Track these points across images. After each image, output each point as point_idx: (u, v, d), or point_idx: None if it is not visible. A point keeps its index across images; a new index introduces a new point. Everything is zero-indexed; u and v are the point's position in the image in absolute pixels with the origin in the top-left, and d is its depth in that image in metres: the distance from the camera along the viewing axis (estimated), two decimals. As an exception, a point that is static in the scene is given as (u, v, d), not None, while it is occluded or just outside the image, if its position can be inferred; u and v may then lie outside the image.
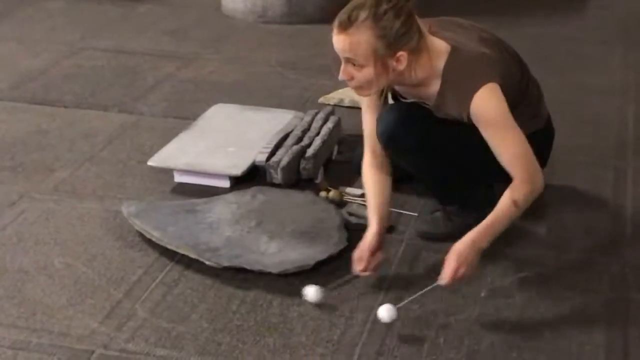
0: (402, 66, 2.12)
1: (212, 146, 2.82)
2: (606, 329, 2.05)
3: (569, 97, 3.35)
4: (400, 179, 2.64)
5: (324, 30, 2.20)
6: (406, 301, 2.09)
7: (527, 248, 2.39)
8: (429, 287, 2.08)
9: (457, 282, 2.06)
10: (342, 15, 2.08)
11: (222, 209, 2.48)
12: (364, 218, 2.46)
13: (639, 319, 2.09)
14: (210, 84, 3.60)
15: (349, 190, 2.66)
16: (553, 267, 2.30)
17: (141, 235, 2.40)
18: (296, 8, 4.40)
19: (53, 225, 2.50)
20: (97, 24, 4.45)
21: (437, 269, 2.25)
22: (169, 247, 2.32)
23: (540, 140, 2.38)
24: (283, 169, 2.64)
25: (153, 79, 3.67)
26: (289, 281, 2.20)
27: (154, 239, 2.35)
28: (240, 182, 2.68)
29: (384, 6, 2.05)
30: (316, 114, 3.00)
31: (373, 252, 2.20)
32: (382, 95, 2.33)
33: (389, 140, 2.30)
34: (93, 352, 1.97)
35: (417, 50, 2.13)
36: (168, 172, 2.75)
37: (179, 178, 2.74)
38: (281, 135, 2.84)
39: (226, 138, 2.87)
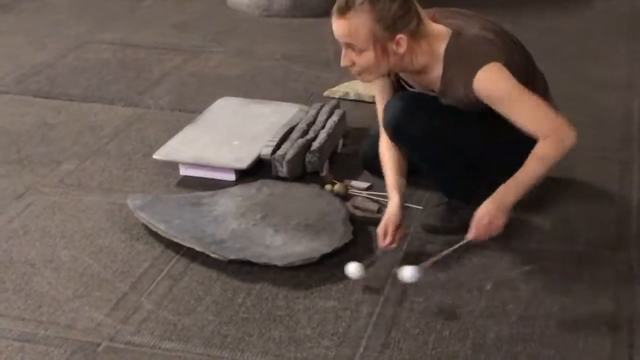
0: (402, 49, 2.13)
1: (217, 139, 2.82)
2: (611, 322, 2.05)
3: (575, 90, 3.34)
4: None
5: (329, 23, 2.21)
6: (434, 259, 2.13)
7: (532, 241, 2.38)
8: (457, 245, 2.13)
9: (485, 237, 2.10)
10: (340, 1, 2.12)
11: (227, 202, 2.49)
12: (369, 211, 2.47)
13: (644, 312, 2.09)
14: (216, 78, 3.60)
15: (354, 183, 2.66)
16: (559, 260, 2.29)
17: (147, 228, 2.41)
18: (301, 2, 4.39)
19: (59, 218, 2.51)
20: (102, 17, 4.45)
21: (442, 261, 2.26)
22: (175, 240, 2.32)
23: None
24: (288, 162, 2.64)
25: (159, 72, 3.67)
26: (295, 274, 2.21)
27: (159, 232, 2.36)
28: (245, 175, 2.69)
29: None
30: (321, 107, 3.00)
31: (397, 226, 2.23)
32: (392, 78, 2.33)
33: (394, 129, 2.30)
34: (99, 344, 1.98)
35: (417, 34, 2.15)
36: (173, 165, 2.75)
37: (184, 171, 2.74)
38: (286, 128, 2.84)
39: (231, 131, 2.87)
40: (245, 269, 2.23)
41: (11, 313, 2.08)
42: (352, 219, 2.43)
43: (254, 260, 2.22)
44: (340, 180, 2.64)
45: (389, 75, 2.36)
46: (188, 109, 3.25)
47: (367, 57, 2.14)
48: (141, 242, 2.38)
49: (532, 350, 1.95)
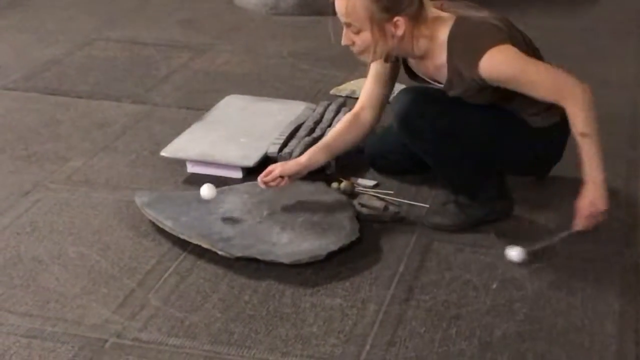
0: (400, 32, 2.15)
1: (224, 137, 2.82)
2: (618, 320, 2.05)
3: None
4: (412, 170, 2.65)
5: (336, 22, 2.22)
6: (539, 246, 2.22)
7: (539, 240, 2.38)
8: (565, 233, 2.20)
9: (592, 224, 2.14)
10: None
11: (234, 200, 2.49)
12: (376, 209, 2.47)
13: (651, 311, 2.09)
14: (223, 75, 3.61)
15: (360, 181, 2.66)
16: (565, 258, 2.29)
17: (154, 225, 2.41)
18: (308, 0, 4.39)
19: (67, 215, 2.52)
20: (110, 14, 4.47)
21: (448, 259, 2.27)
22: (182, 236, 2.33)
23: (556, 134, 2.38)
24: (295, 160, 2.65)
25: (166, 69, 3.68)
26: (301, 271, 2.21)
27: (166, 229, 2.36)
28: (252, 173, 2.69)
29: None
30: (328, 105, 3.00)
31: (282, 176, 2.39)
32: (388, 61, 2.35)
33: (402, 121, 2.31)
34: (106, 340, 1.99)
35: (418, 18, 2.16)
36: (181, 162, 2.76)
37: (191, 168, 2.75)
38: (293, 126, 2.85)
39: (238, 129, 2.88)
40: (252, 267, 2.24)
41: (19, 309, 2.09)
42: (358, 217, 2.43)
43: (260, 257, 2.23)
44: (347, 178, 2.64)
45: (396, 61, 2.36)
46: (195, 106, 3.26)
47: (365, 37, 2.17)
48: (148, 239, 2.39)
49: (538, 349, 1.96)
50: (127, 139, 3.02)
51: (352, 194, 2.57)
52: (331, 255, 2.25)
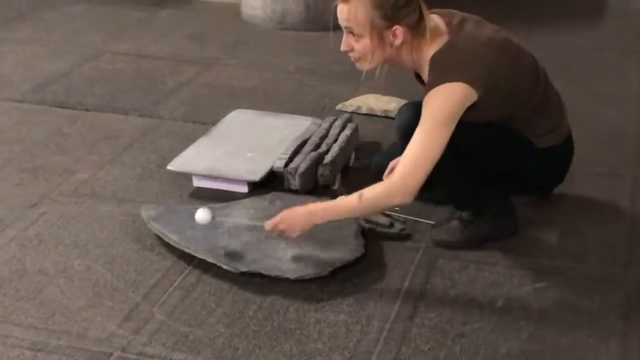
0: (398, 41, 2.18)
1: (230, 151, 2.84)
2: (623, 340, 2.05)
3: (586, 107, 3.34)
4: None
5: (342, 37, 2.24)
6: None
7: (543, 258, 2.38)
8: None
9: (275, 230, 2.22)
10: None
11: (239, 214, 2.50)
12: (381, 225, 2.48)
13: (655, 331, 2.09)
14: (230, 90, 3.62)
15: (366, 197, 2.66)
16: (570, 277, 2.29)
17: (160, 238, 2.42)
18: (315, 15, 4.41)
19: (73, 228, 2.53)
20: (118, 28, 4.49)
21: (453, 277, 2.27)
22: (187, 251, 2.33)
23: (557, 156, 2.39)
24: (301, 175, 2.65)
25: (173, 83, 3.69)
26: (306, 287, 2.22)
27: (172, 243, 2.37)
28: (258, 187, 2.70)
29: None
30: (334, 120, 3.01)
31: None
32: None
33: (405, 135, 2.32)
34: (111, 354, 1.99)
35: (416, 30, 2.19)
36: (187, 176, 2.77)
37: (197, 182, 2.76)
38: (299, 141, 2.86)
39: (245, 143, 2.89)
40: (257, 281, 2.24)
41: (24, 322, 2.10)
42: (363, 233, 2.44)
43: (265, 272, 2.23)
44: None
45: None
46: (202, 120, 3.28)
47: (364, 44, 2.19)
48: (154, 252, 2.39)
49: (542, 368, 1.96)
50: (133, 152, 3.03)
51: (357, 210, 2.57)
52: (336, 271, 2.25)
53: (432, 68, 2.19)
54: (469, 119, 2.18)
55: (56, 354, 1.99)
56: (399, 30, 2.17)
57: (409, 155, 2.14)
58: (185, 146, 2.90)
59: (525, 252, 2.36)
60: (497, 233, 2.42)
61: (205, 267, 2.30)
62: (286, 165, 2.71)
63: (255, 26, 4.53)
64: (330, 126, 2.97)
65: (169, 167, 2.77)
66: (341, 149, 2.80)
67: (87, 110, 3.40)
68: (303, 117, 3.12)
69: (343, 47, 2.24)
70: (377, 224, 2.48)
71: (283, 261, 2.28)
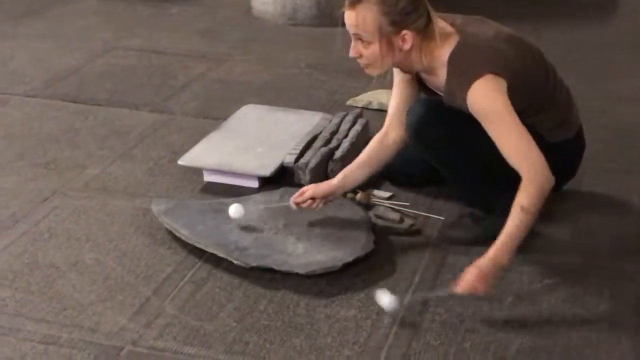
0: (407, 46, 2.17)
1: (241, 146, 2.84)
2: (634, 336, 2.04)
3: (597, 103, 3.33)
4: (427, 182, 2.66)
5: (344, 33, 2.23)
6: (414, 297, 2.14)
7: (554, 254, 2.38)
8: (444, 292, 2.09)
9: (468, 294, 2.05)
10: None
11: (250, 209, 2.50)
12: (391, 220, 2.48)
13: (667, 327, 2.08)
14: (240, 85, 3.63)
15: (376, 192, 2.66)
16: (580, 273, 2.29)
17: (170, 233, 2.43)
18: (325, 10, 4.41)
19: (84, 222, 2.54)
20: (129, 23, 4.50)
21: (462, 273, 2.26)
22: (198, 245, 2.34)
23: (568, 150, 2.38)
24: (311, 170, 2.66)
25: (184, 78, 3.70)
26: (316, 282, 2.22)
27: (183, 237, 2.38)
28: (268, 182, 2.70)
29: None
30: (344, 116, 3.01)
31: (312, 197, 2.38)
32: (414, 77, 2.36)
33: (415, 132, 2.32)
34: (122, 348, 2.00)
35: (425, 33, 2.17)
36: (198, 171, 2.77)
37: (208, 177, 2.76)
38: (310, 136, 2.86)
39: (255, 139, 2.89)
40: (267, 276, 2.24)
41: (35, 315, 2.11)
42: (374, 228, 2.44)
43: (276, 267, 2.23)
44: (363, 189, 2.65)
45: (411, 75, 2.37)
46: (213, 115, 3.28)
47: (373, 50, 2.18)
48: (165, 247, 2.40)
49: (553, 364, 1.95)
50: (144, 147, 3.04)
51: (367, 205, 2.58)
52: (346, 267, 2.26)
53: (453, 68, 2.17)
54: None
55: (67, 347, 2.00)
56: (407, 35, 2.16)
57: (515, 155, 2.11)
58: (196, 141, 2.91)
59: (536, 248, 2.36)
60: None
61: (216, 261, 2.30)
62: (297, 160, 2.71)
63: (266, 22, 4.53)
64: (341, 121, 2.97)
65: (179, 162, 2.77)
66: (352, 144, 2.80)
67: (99, 105, 3.41)
68: (314, 113, 3.12)
69: (352, 54, 2.23)
70: (387, 219, 2.48)
71: (293, 256, 2.28)
